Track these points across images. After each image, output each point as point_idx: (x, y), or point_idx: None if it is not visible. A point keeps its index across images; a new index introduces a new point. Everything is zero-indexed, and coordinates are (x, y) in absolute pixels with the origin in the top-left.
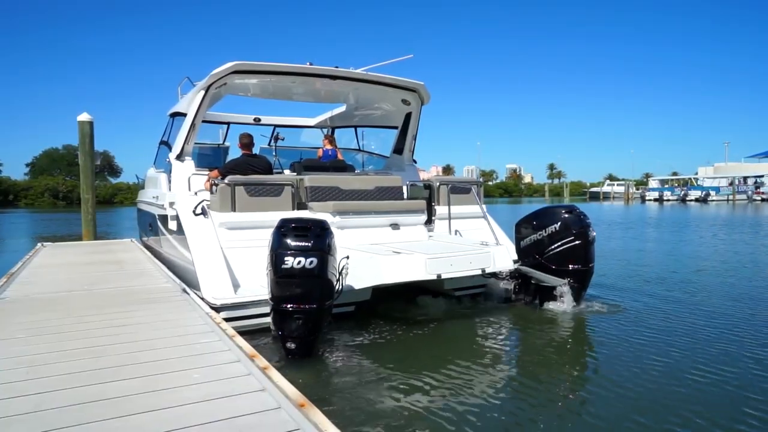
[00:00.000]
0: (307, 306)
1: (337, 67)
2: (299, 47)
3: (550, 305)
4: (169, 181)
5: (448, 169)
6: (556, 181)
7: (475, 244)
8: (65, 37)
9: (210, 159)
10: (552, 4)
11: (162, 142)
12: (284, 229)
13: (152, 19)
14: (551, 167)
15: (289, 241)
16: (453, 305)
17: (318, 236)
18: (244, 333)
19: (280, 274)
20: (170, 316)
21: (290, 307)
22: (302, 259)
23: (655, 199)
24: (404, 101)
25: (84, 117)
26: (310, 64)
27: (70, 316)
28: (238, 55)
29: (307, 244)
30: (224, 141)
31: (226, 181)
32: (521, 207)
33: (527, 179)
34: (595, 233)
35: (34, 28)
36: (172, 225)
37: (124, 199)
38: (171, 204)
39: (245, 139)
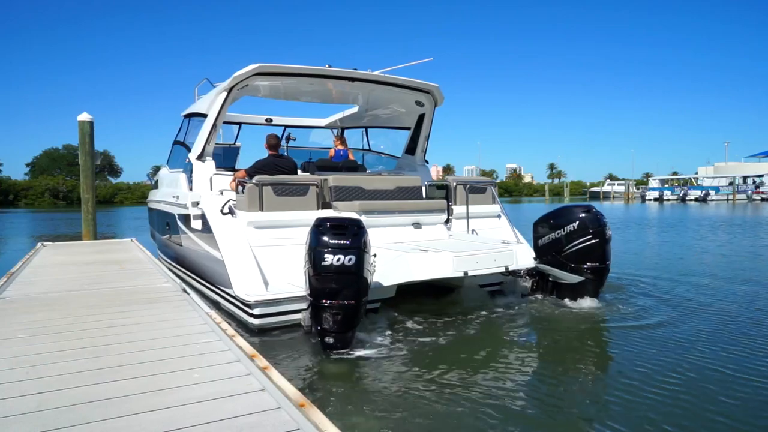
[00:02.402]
0: (345, 302)
1: (355, 69)
2: (299, 47)
3: (568, 302)
4: (190, 181)
5: (448, 169)
6: (556, 180)
7: (497, 243)
8: (65, 37)
9: (221, 159)
10: (552, 4)
11: (176, 143)
12: (322, 227)
13: (152, 19)
14: (551, 167)
15: (327, 239)
16: (479, 299)
17: (355, 234)
18: (276, 329)
19: (319, 271)
20: (170, 316)
21: (329, 302)
22: (341, 257)
23: (655, 199)
24: (418, 102)
25: (84, 117)
26: (329, 66)
27: (70, 316)
28: (237, 55)
29: (345, 242)
30: (235, 141)
31: (254, 180)
32: (522, 207)
33: (527, 179)
34: (611, 232)
35: (34, 28)
36: (196, 224)
37: (124, 199)
38: (195, 203)
39: (272, 140)
